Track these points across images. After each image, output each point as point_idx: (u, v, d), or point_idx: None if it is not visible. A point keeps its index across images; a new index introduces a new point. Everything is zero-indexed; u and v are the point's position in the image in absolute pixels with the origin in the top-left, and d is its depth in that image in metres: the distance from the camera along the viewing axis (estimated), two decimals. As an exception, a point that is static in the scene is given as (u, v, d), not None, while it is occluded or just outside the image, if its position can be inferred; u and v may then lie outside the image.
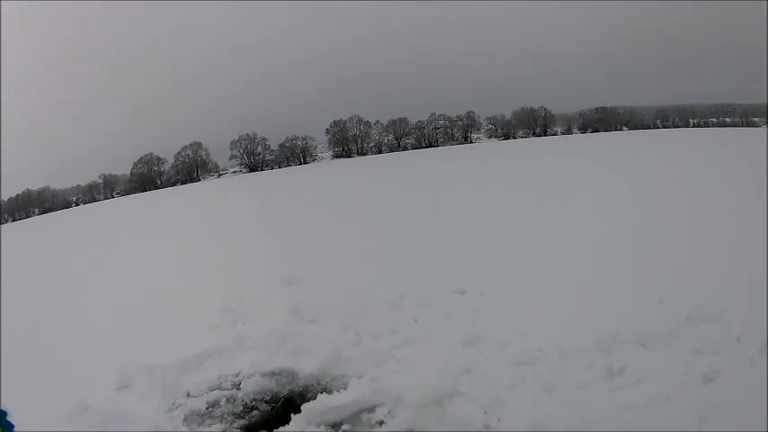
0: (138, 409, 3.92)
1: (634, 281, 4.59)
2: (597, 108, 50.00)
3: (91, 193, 49.94)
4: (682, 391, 3.14)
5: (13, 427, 3.92)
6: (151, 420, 3.76)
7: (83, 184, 50.60)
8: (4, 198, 46.60)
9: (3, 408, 4.13)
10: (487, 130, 52.21)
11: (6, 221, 42.66)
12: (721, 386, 3.11)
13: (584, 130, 48.62)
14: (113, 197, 47.97)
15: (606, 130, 45.35)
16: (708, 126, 41.24)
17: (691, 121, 45.95)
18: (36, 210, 46.39)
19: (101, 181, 50.94)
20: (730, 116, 43.88)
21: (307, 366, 3.89)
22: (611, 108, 49.24)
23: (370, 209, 11.80)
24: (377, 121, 52.48)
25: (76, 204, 47.17)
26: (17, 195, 47.52)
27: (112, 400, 3.97)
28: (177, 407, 3.87)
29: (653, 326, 3.67)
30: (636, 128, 45.97)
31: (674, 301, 3.95)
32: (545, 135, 48.26)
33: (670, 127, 44.36)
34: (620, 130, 46.54)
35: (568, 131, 49.41)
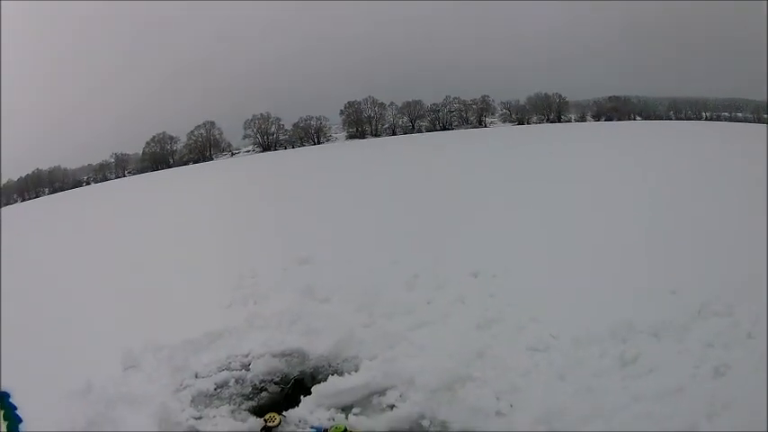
0: (144, 389, 3.91)
1: (647, 271, 4.62)
2: (611, 97, 50.16)
3: (102, 173, 49.87)
4: (693, 383, 3.16)
5: (15, 408, 3.90)
6: (158, 401, 3.75)
7: (94, 163, 50.19)
8: (14, 178, 45.85)
9: (5, 390, 4.11)
10: (501, 115, 52.31)
11: (15, 201, 42.52)
12: (732, 381, 3.12)
13: (597, 118, 48.70)
14: (125, 176, 47.86)
15: (619, 119, 45.40)
16: (720, 120, 41.23)
17: (703, 114, 45.93)
18: (46, 189, 46.17)
19: (112, 160, 50.74)
20: (742, 111, 43.90)
21: (318, 347, 3.89)
22: (624, 97, 49.32)
23: (385, 190, 11.76)
24: (391, 103, 52.38)
25: (87, 184, 47.10)
26: (26, 175, 47.24)
27: (118, 381, 3.97)
28: (185, 387, 3.87)
29: (666, 317, 3.70)
30: (649, 118, 46.05)
31: (687, 293, 3.98)
32: (559, 121, 48.34)
33: (683, 119, 44.36)
34: (633, 119, 46.57)
35: (582, 119, 49.52)
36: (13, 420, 3.49)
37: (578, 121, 47.92)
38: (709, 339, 3.54)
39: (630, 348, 3.49)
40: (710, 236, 5.62)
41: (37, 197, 43.33)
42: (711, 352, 3.37)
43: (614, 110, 47.54)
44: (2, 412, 3.61)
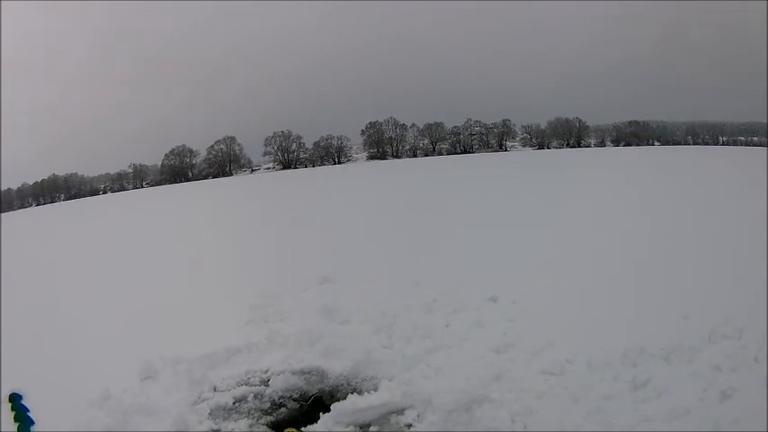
0: (162, 400, 4.11)
1: (661, 296, 4.98)
2: (630, 122, 51.83)
3: (120, 182, 50.67)
4: (700, 406, 3.50)
5: (28, 410, 4.05)
6: (175, 413, 3.94)
7: (111, 172, 50.58)
8: (29, 182, 47.71)
9: (18, 391, 4.24)
10: (522, 139, 53.41)
11: (30, 205, 43.13)
12: (737, 403, 3.46)
13: (616, 143, 49.87)
14: (143, 187, 48.23)
15: (638, 144, 46.49)
16: (736, 144, 42.19)
17: (720, 138, 47.00)
18: (62, 195, 46.58)
19: (130, 170, 51.19)
20: (758, 135, 44.68)
21: (337, 366, 4.13)
22: (643, 122, 50.47)
23: (406, 212, 12.24)
24: (413, 125, 54.46)
25: (104, 192, 47.59)
26: (42, 180, 47.57)
27: (136, 391, 4.15)
28: (203, 400, 4.07)
29: (677, 341, 3.98)
30: (667, 143, 47.47)
31: (698, 317, 4.28)
32: (578, 146, 49.57)
33: (700, 143, 45.46)
34: (652, 144, 47.63)
35: (602, 144, 50.78)
36: (25, 422, 3.61)
37: (597, 146, 48.93)
38: (718, 363, 3.83)
39: (642, 372, 3.76)
40: (722, 261, 5.96)
41: (53, 202, 43.68)
42: (719, 375, 3.74)
43: (634, 135, 48.70)
44: (14, 413, 3.75)
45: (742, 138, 45.58)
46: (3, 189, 43.49)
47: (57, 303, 6.67)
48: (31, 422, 3.58)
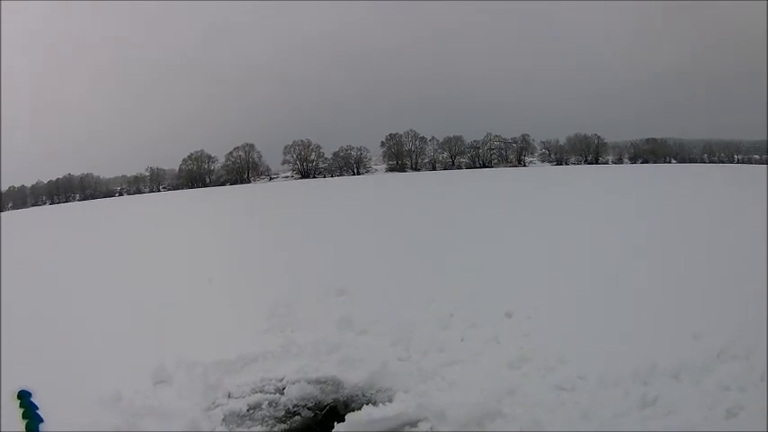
0: (174, 404, 4.20)
1: (672, 314, 5.15)
2: (648, 139, 52.18)
3: (136, 185, 50.72)
4: (705, 424, 3.62)
5: (37, 408, 4.11)
6: (188, 417, 4.03)
7: (128, 174, 50.73)
8: (44, 180, 48.46)
9: (27, 389, 4.31)
10: (541, 155, 53.74)
11: (44, 203, 43.62)
12: (742, 422, 3.56)
13: (634, 160, 50.30)
14: (159, 191, 48.41)
15: (655, 162, 46.95)
16: (751, 162, 42.60)
17: (735, 156, 47.47)
18: (77, 195, 46.87)
19: (147, 173, 51.25)
20: None
21: (353, 377, 4.24)
22: (661, 140, 50.95)
23: (425, 226, 12.45)
24: (432, 138, 54.44)
25: (120, 194, 47.86)
26: (57, 179, 47.86)
27: (148, 394, 4.22)
28: (217, 406, 4.16)
29: (687, 360, 4.09)
30: (684, 160, 47.96)
31: (708, 336, 4.42)
32: (596, 163, 50.01)
33: (716, 162, 45.93)
34: (669, 162, 48.15)
35: (619, 161, 51.19)
36: (34, 420, 3.65)
37: (615, 163, 49.48)
38: (726, 382, 3.99)
39: (651, 390, 3.92)
40: (734, 280, 6.12)
41: (67, 201, 44.05)
42: (727, 394, 3.92)
43: (651, 152, 49.34)
44: (22, 411, 3.80)
45: (756, 156, 45.96)
46: (17, 186, 44.09)
47: (72, 303, 6.78)
48: (40, 420, 3.62)
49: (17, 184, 45.87)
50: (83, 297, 7.13)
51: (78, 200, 45.37)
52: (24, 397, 3.91)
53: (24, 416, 3.68)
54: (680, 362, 4.08)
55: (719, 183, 20.80)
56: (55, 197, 46.62)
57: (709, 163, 44.91)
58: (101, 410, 3.88)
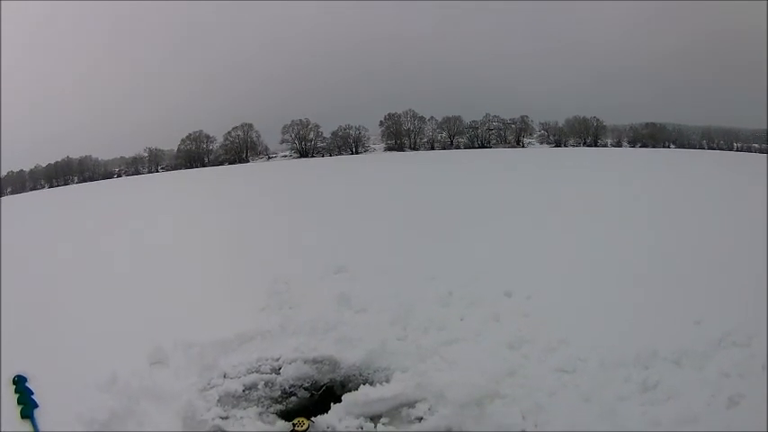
0: (170, 385, 4.16)
1: (674, 300, 5.07)
2: (647, 123, 52.05)
3: (135, 166, 50.79)
4: (708, 412, 3.62)
5: (32, 393, 4.06)
6: (183, 398, 4.01)
7: (126, 156, 50.77)
8: (42, 164, 47.77)
9: (23, 374, 4.25)
10: (539, 136, 53.89)
11: (42, 187, 43.64)
12: (744, 410, 3.53)
13: (633, 144, 50.41)
14: (158, 171, 48.49)
15: (654, 146, 47.06)
16: (750, 151, 42.64)
17: (735, 144, 47.50)
18: (75, 178, 46.88)
19: (146, 154, 51.34)
20: None
21: (350, 356, 4.23)
22: (660, 124, 51.00)
23: (424, 204, 12.20)
24: (431, 117, 54.39)
25: (118, 176, 48.01)
26: (56, 162, 47.91)
27: (144, 375, 4.17)
28: (212, 387, 4.14)
29: (688, 346, 4.07)
30: (682, 146, 47.92)
31: (710, 323, 4.43)
32: (595, 146, 50.09)
33: (715, 149, 45.92)
34: (668, 147, 48.20)
35: (618, 144, 51.34)
36: (29, 404, 3.61)
37: (614, 146, 49.61)
38: (727, 369, 3.97)
39: (653, 374, 3.90)
40: (736, 267, 6.01)
41: (66, 185, 44.05)
42: (728, 381, 3.89)
43: (650, 137, 49.34)
44: (17, 396, 3.74)
45: (756, 145, 45.90)
46: (15, 171, 44.11)
47: (67, 285, 6.58)
48: (35, 405, 3.57)
49: (15, 169, 46.02)
50: (78, 279, 6.94)
51: (77, 182, 45.33)
52: (20, 382, 3.85)
53: (20, 401, 3.62)
54: (681, 347, 4.04)
55: (722, 169, 20.74)
56: (54, 180, 46.57)
57: (708, 149, 44.91)
58: (97, 393, 3.81)
